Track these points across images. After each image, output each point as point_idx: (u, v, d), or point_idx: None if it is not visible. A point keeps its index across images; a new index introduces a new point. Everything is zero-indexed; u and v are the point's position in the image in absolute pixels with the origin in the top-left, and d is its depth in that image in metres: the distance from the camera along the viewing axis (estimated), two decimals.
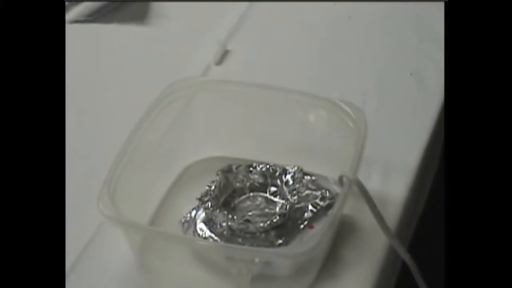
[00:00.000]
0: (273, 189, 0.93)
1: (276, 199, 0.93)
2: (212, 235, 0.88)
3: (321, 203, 0.90)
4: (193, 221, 0.90)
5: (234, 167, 0.94)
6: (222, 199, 0.92)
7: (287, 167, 0.94)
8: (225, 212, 0.88)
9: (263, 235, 0.87)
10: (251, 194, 0.93)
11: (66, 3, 1.25)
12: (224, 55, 1.17)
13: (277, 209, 0.91)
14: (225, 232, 0.87)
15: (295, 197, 0.91)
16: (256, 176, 0.94)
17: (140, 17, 1.27)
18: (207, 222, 0.89)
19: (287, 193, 0.92)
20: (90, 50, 1.22)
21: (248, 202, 0.93)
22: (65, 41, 0.84)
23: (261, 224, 0.87)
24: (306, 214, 0.89)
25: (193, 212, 0.91)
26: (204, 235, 0.88)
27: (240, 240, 0.87)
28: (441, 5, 1.11)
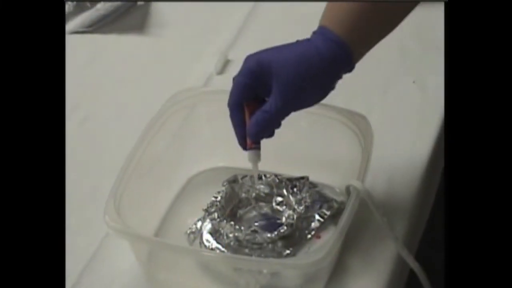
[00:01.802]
0: (279, 199, 0.93)
1: (282, 209, 0.92)
2: (219, 246, 0.87)
3: (328, 213, 0.90)
4: (199, 232, 0.90)
5: (239, 177, 0.93)
6: (228, 210, 0.91)
7: (293, 177, 0.93)
8: (232, 223, 0.87)
9: (270, 245, 0.87)
10: (257, 204, 0.93)
11: (66, 13, 1.24)
12: (225, 65, 1.17)
13: (284, 219, 0.90)
14: (232, 243, 0.87)
15: (302, 207, 0.90)
16: (262, 186, 0.93)
17: (140, 27, 1.26)
18: (214, 233, 0.89)
19: (293, 203, 0.91)
20: (90, 61, 1.21)
21: (254, 213, 0.92)
22: (65, 49, 0.83)
23: (268, 235, 0.86)
24: (313, 224, 0.89)
25: (199, 223, 0.91)
26: (210, 246, 0.87)
27: (247, 251, 0.86)
28: (442, 12, 1.10)
